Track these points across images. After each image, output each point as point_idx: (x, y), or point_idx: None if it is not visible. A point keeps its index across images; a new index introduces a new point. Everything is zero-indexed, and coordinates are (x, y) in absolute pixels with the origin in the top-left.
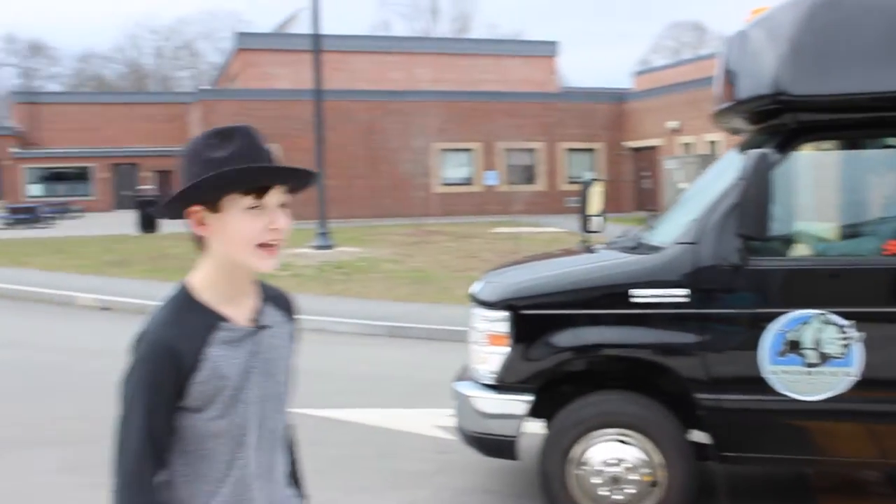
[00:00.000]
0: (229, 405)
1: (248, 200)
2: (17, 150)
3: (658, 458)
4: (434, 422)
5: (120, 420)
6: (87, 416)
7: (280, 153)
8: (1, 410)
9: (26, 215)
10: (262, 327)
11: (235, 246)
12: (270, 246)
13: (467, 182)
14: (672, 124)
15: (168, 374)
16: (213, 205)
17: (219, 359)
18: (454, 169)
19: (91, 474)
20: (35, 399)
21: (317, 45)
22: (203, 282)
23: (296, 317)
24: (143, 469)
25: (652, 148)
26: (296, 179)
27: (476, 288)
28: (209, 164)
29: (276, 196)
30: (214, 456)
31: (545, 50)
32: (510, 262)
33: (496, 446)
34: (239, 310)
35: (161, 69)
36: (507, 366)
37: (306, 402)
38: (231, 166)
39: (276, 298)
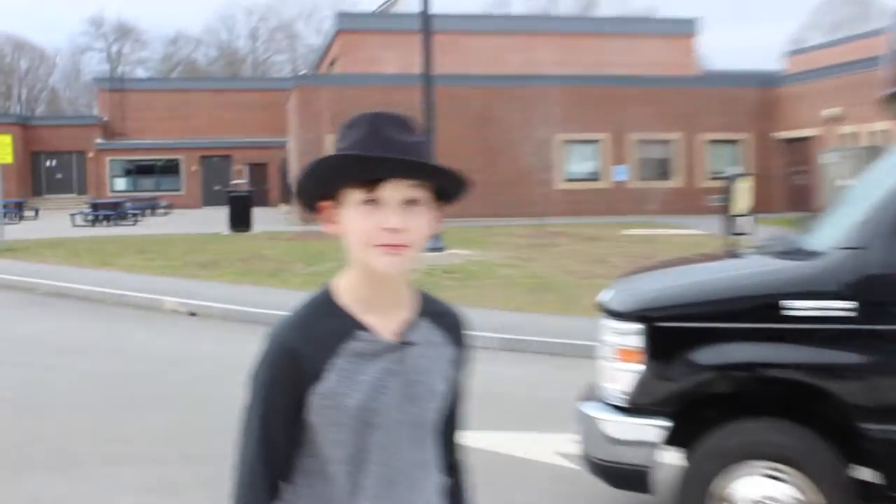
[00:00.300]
0: (353, 425)
1: (361, 194)
2: (101, 140)
3: (815, 496)
4: (555, 447)
5: (242, 423)
6: (173, 431)
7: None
8: (84, 423)
9: (110, 211)
10: (407, 343)
11: (353, 244)
12: (391, 245)
13: (594, 177)
14: (831, 112)
15: (286, 379)
16: (334, 199)
17: (345, 371)
18: (579, 163)
19: (177, 495)
20: (118, 411)
21: (427, 25)
22: (345, 285)
23: (464, 339)
24: (256, 478)
25: (807, 139)
26: (409, 171)
27: (605, 296)
28: (338, 154)
29: (394, 190)
30: (336, 480)
31: (683, 28)
32: (643, 268)
33: (627, 477)
34: (385, 321)
35: (256, 53)
36: (641, 385)
37: None
38: (362, 153)
39: (439, 315)
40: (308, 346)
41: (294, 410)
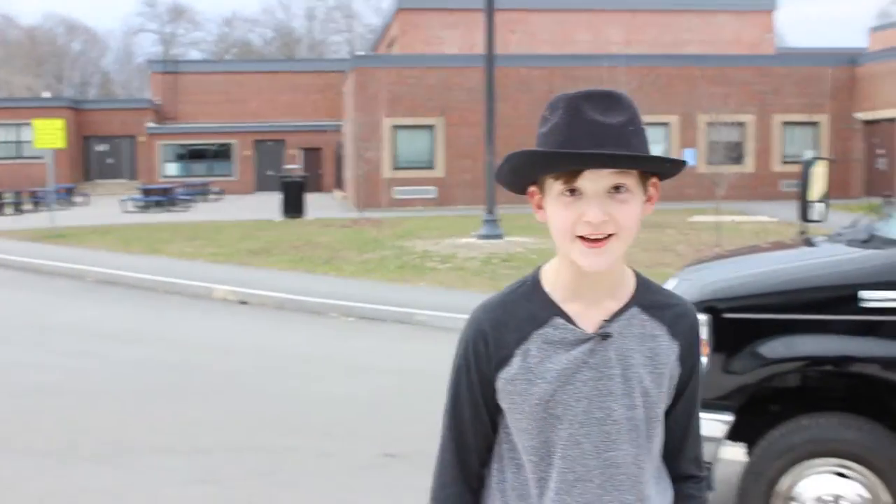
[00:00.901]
0: (537, 414)
1: (559, 185)
2: (153, 124)
3: (885, 496)
4: None
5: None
6: (222, 422)
7: (443, 127)
8: (131, 412)
9: (161, 197)
10: (604, 336)
11: (556, 235)
12: (593, 240)
13: None
14: None
15: (475, 361)
16: (538, 186)
17: (534, 358)
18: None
19: (224, 486)
20: (166, 401)
21: (490, 2)
22: (550, 270)
23: (690, 334)
24: (446, 456)
25: (891, 120)
26: (608, 161)
27: (670, 286)
28: (537, 139)
29: (595, 180)
30: (523, 471)
31: (761, 3)
32: (710, 257)
33: None
34: (590, 310)
35: (313, 33)
36: (704, 378)
37: None
38: (547, 143)
39: (658, 307)
40: (500, 329)
41: (482, 393)
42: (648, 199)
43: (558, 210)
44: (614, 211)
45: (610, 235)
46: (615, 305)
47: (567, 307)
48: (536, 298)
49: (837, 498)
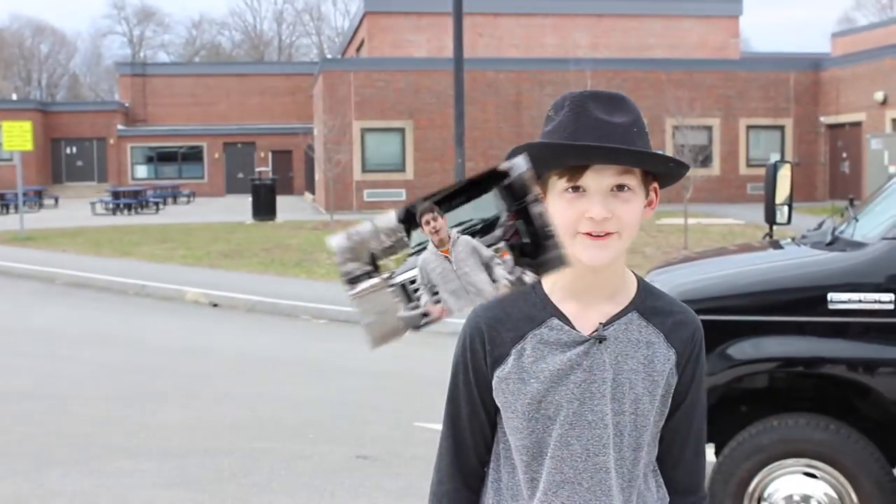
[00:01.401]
0: (529, 414)
1: (563, 182)
2: (122, 127)
3: (853, 495)
4: None
5: None
6: (194, 425)
7: (412, 130)
8: (103, 416)
9: (131, 200)
10: (599, 339)
11: (559, 233)
12: (596, 235)
13: None
14: (879, 95)
15: (471, 358)
16: (542, 184)
17: (528, 357)
18: None
19: (196, 489)
20: (138, 404)
21: (458, 6)
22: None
23: (690, 343)
24: (443, 455)
25: (854, 124)
26: (612, 158)
27: None
28: (542, 138)
29: (598, 178)
30: (517, 471)
31: (727, 9)
32: (678, 259)
33: None
34: (588, 312)
35: (282, 36)
36: None
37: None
38: (552, 139)
39: (659, 313)
40: (496, 328)
41: (479, 391)
42: (649, 203)
43: (561, 207)
44: (617, 209)
45: (612, 234)
46: (613, 309)
47: (565, 308)
48: (535, 298)
49: (807, 498)
